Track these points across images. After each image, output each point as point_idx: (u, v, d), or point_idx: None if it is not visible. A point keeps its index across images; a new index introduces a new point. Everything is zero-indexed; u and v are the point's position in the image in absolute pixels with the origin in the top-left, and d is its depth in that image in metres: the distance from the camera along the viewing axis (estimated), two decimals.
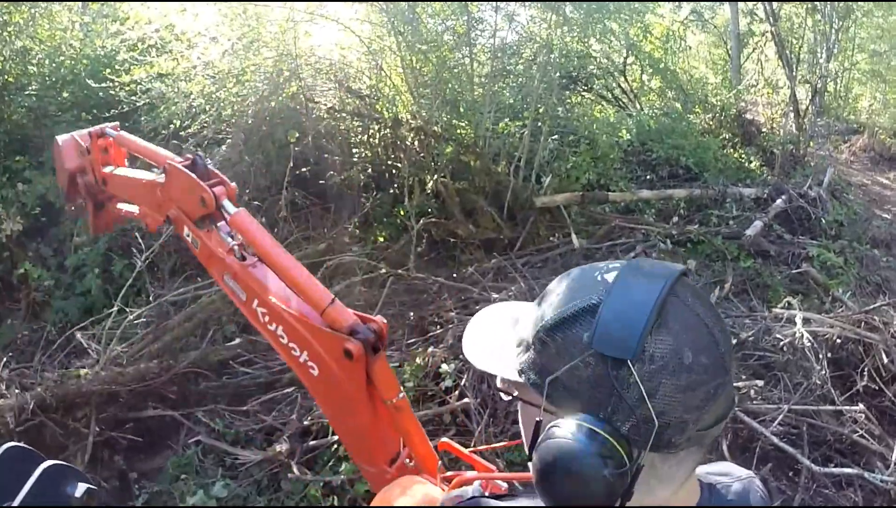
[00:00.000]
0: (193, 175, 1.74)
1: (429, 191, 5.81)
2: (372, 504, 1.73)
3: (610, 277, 0.76)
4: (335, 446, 3.50)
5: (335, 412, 1.78)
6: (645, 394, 0.69)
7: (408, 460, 1.80)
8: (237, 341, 4.47)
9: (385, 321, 1.60)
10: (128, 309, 4.46)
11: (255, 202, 5.57)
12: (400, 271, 5.03)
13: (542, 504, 0.75)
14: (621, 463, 0.69)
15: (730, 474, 0.93)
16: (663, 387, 0.70)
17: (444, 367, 3.93)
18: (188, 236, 1.80)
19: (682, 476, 0.77)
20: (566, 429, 0.70)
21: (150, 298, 4.76)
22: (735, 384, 3.70)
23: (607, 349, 0.70)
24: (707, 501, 0.83)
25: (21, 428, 3.38)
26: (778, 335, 4.21)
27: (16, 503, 0.89)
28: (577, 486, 0.69)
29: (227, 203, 1.73)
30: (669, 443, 0.71)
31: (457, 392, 3.82)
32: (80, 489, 0.95)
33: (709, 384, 0.71)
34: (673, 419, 0.70)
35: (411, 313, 4.81)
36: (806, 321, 4.30)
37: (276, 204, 5.53)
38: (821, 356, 4.03)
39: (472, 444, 3.52)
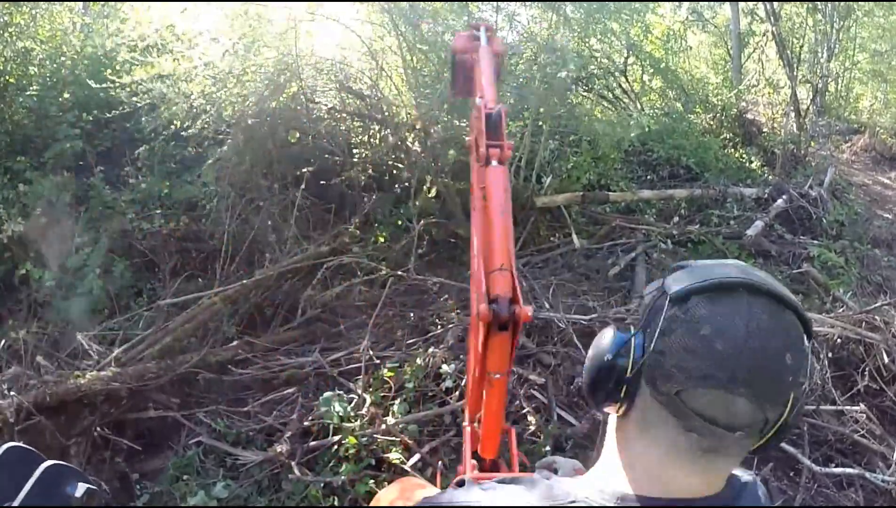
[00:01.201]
0: (484, 126, 1.94)
1: (430, 192, 5.80)
2: (371, 504, 1.73)
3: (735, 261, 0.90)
4: (335, 446, 3.51)
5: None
6: (661, 326, 0.81)
7: (477, 425, 1.94)
8: (236, 342, 4.46)
9: (531, 314, 1.63)
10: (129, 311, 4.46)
11: (256, 203, 5.58)
12: (400, 271, 5.03)
13: (522, 494, 0.85)
14: (625, 367, 0.84)
15: (736, 476, 0.95)
16: (675, 334, 0.80)
17: (445, 368, 3.93)
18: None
19: (676, 459, 0.83)
20: (614, 332, 0.90)
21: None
22: None
23: (668, 284, 0.85)
24: (728, 492, 0.87)
25: (21, 428, 3.38)
26: None
27: (16, 503, 0.89)
28: (590, 363, 0.90)
29: (493, 161, 1.89)
30: (655, 383, 0.82)
31: (457, 393, 3.82)
32: (81, 489, 0.94)
33: (706, 365, 0.78)
34: (666, 363, 0.80)
35: (412, 314, 4.81)
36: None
37: (276, 204, 5.54)
38: (822, 356, 4.03)
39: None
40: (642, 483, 0.84)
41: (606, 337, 0.90)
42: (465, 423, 2.08)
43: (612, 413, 0.91)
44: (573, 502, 0.83)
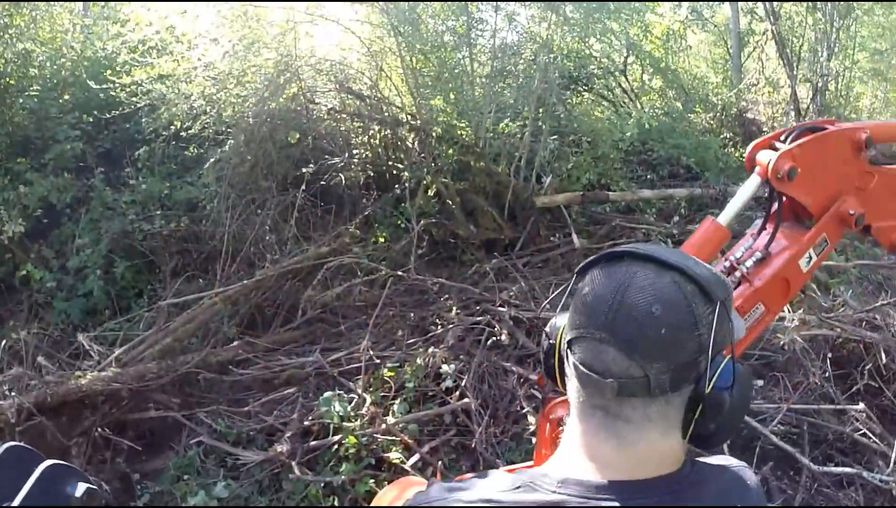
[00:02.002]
0: None
1: (429, 192, 5.81)
2: (372, 505, 1.73)
3: None
4: (336, 446, 3.51)
5: None
6: (568, 297, 0.96)
7: None
8: (236, 342, 4.47)
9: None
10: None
11: (256, 203, 5.58)
12: (400, 272, 5.03)
13: (496, 489, 0.87)
14: (551, 335, 1.08)
15: (723, 464, 0.96)
16: (574, 299, 0.93)
17: (445, 367, 3.93)
18: None
19: (575, 406, 0.91)
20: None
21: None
22: None
23: (580, 265, 0.98)
24: (687, 472, 0.88)
25: (22, 429, 3.38)
26: (779, 335, 4.21)
27: (16, 503, 0.89)
28: (544, 349, 1.11)
29: None
30: (567, 339, 0.92)
31: (457, 393, 3.82)
32: (81, 488, 0.94)
33: (581, 317, 0.89)
34: (567, 323, 0.93)
35: (412, 314, 4.82)
36: (806, 321, 4.30)
37: (277, 205, 5.54)
38: (822, 355, 4.03)
39: (473, 445, 3.53)
40: (583, 460, 0.87)
41: (551, 321, 1.05)
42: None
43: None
44: (517, 488, 0.86)
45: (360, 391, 3.87)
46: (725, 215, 1.72)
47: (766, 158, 1.60)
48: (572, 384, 0.90)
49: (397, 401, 3.81)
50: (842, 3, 9.87)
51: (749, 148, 1.69)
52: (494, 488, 0.87)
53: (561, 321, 0.98)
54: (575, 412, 0.91)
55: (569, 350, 0.89)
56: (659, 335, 0.82)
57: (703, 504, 0.86)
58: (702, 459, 0.94)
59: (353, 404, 3.76)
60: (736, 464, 0.96)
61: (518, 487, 0.86)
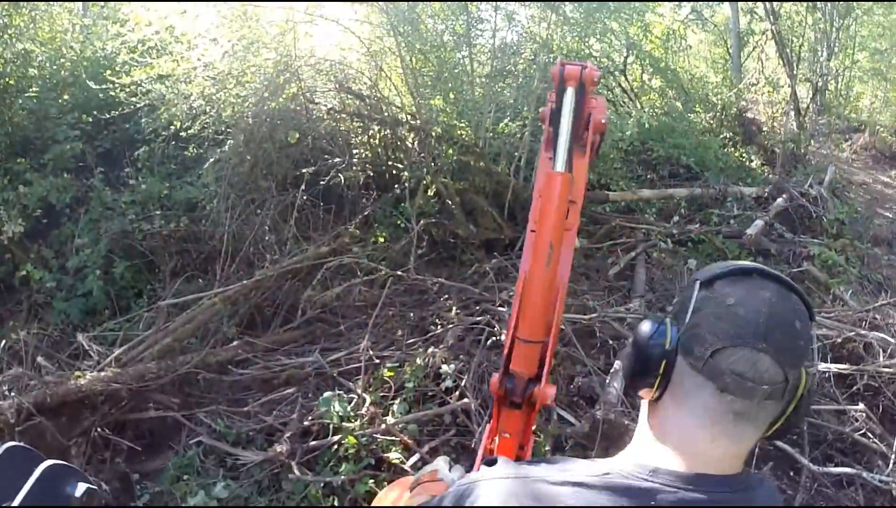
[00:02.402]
0: None
1: (429, 192, 5.81)
2: (372, 505, 1.73)
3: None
4: (335, 446, 3.51)
5: None
6: (692, 306, 0.97)
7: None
8: (236, 342, 4.47)
9: (552, 399, 1.52)
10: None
11: (256, 203, 5.58)
12: (400, 272, 5.03)
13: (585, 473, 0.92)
14: (664, 345, 0.97)
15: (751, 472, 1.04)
16: (706, 308, 0.96)
17: (445, 368, 3.93)
18: None
19: (710, 426, 0.93)
20: (654, 319, 1.02)
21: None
22: None
23: (697, 275, 1.01)
24: (746, 476, 0.97)
25: (22, 429, 3.38)
26: None
27: (15, 503, 0.89)
28: (632, 348, 1.01)
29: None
30: (691, 351, 0.94)
31: (457, 393, 3.82)
32: (81, 488, 0.94)
33: (733, 327, 0.92)
34: (700, 331, 0.94)
35: (412, 314, 4.81)
36: None
37: (276, 205, 5.54)
38: (821, 355, 4.03)
39: (472, 445, 3.52)
40: (674, 454, 0.95)
41: (645, 325, 1.01)
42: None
43: (645, 401, 1.02)
44: (607, 474, 0.92)
45: (359, 391, 3.87)
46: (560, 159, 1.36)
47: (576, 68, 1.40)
48: (696, 385, 0.94)
49: (397, 401, 3.81)
50: (841, 2, 9.88)
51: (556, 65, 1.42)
52: (583, 472, 0.93)
53: (671, 329, 0.99)
54: (690, 418, 0.95)
55: (710, 359, 0.92)
56: (799, 346, 0.94)
57: (764, 499, 0.97)
58: None
59: (352, 404, 3.76)
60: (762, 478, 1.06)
61: (607, 473, 0.92)
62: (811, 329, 0.98)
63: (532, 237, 1.42)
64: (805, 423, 0.97)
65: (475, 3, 6.10)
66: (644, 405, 1.04)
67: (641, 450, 0.99)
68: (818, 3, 9.79)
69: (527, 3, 6.40)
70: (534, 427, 3.67)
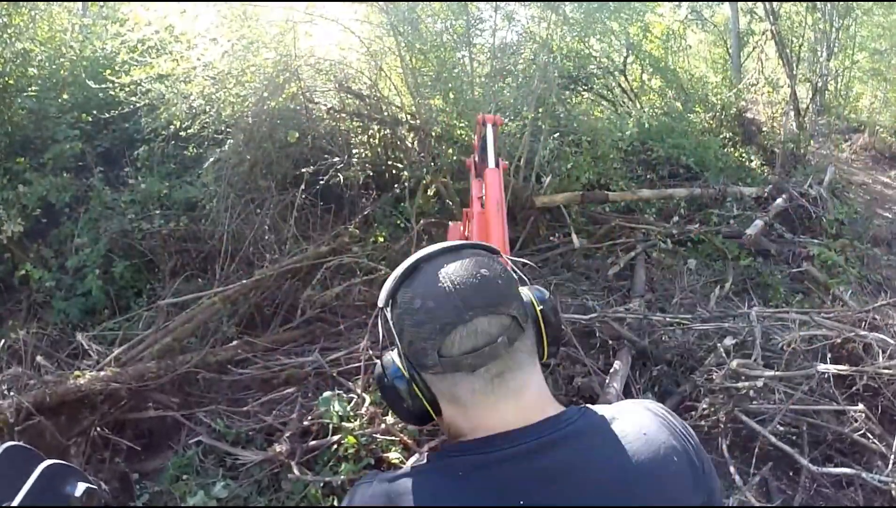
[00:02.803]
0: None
1: (429, 192, 5.81)
2: None
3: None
4: (335, 446, 3.51)
5: None
6: (395, 330, 0.96)
7: None
8: (236, 342, 4.46)
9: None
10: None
11: (255, 203, 5.58)
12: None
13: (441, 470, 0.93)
14: (401, 374, 0.97)
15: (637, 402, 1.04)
16: (405, 323, 0.95)
17: None
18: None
19: (483, 401, 0.94)
20: (381, 360, 1.03)
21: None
22: (735, 385, 3.73)
23: (380, 302, 0.99)
24: (571, 415, 0.96)
25: (21, 428, 3.38)
26: (777, 337, 4.22)
27: (15, 502, 0.89)
28: (387, 396, 1.01)
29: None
30: (425, 365, 0.94)
31: None
32: (80, 488, 0.94)
33: (435, 322, 0.91)
34: (417, 346, 0.94)
35: None
36: (806, 322, 4.30)
37: (276, 204, 5.54)
38: (821, 355, 4.03)
39: None
40: (483, 434, 0.94)
41: (377, 372, 1.03)
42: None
43: (437, 423, 1.02)
44: (440, 459, 0.95)
45: (359, 390, 3.86)
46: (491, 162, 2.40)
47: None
48: (452, 385, 0.94)
49: None
50: (841, 3, 9.88)
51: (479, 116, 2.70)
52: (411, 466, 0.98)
53: (395, 357, 1.00)
54: (467, 407, 0.95)
55: (441, 359, 0.92)
56: (498, 286, 0.95)
57: (609, 426, 0.95)
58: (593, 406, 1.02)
59: (352, 404, 3.76)
60: (641, 402, 1.04)
61: (440, 460, 0.95)
62: (498, 262, 0.99)
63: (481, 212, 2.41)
64: (562, 333, 0.99)
65: (475, 3, 6.10)
66: (443, 429, 1.03)
67: (451, 442, 1.00)
68: (818, 3, 9.79)
69: (527, 3, 6.40)
70: None
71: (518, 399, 0.95)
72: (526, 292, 1.01)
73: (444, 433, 1.02)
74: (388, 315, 0.98)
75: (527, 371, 0.96)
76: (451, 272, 0.94)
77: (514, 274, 1.02)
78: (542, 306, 1.00)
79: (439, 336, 0.91)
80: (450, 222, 3.00)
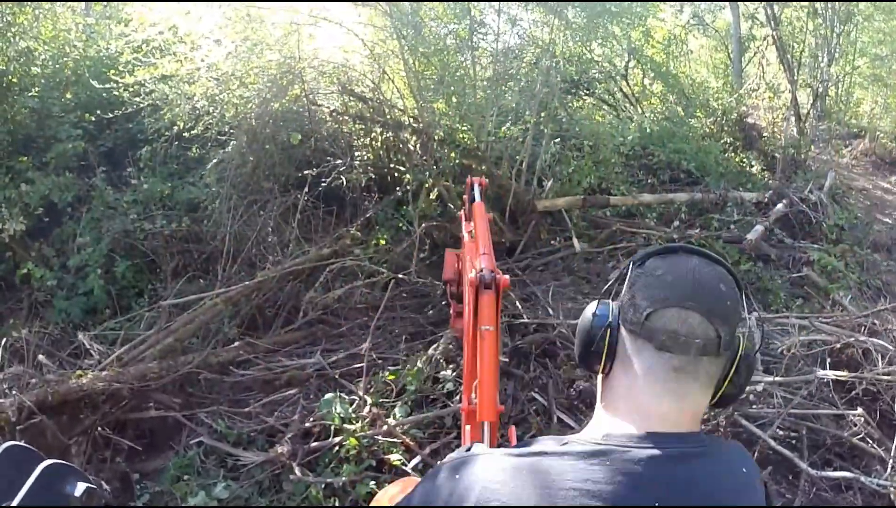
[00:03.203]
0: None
1: (431, 195, 5.82)
2: (371, 504, 1.74)
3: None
4: (336, 447, 3.52)
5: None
6: (628, 283, 1.08)
7: (473, 396, 2.15)
8: (237, 343, 4.47)
9: (509, 280, 2.16)
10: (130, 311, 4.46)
11: (258, 204, 5.59)
12: (401, 275, 5.03)
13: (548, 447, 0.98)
14: (607, 318, 1.08)
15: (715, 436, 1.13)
16: (639, 282, 1.06)
17: (445, 374, 3.95)
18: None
19: (653, 384, 1.01)
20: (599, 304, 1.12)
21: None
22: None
23: (633, 257, 1.11)
24: (705, 438, 1.01)
25: (22, 428, 3.39)
26: (777, 342, 4.22)
27: (15, 502, 0.89)
28: (581, 329, 1.12)
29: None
30: (629, 319, 1.04)
31: (457, 396, 3.83)
32: (80, 488, 0.95)
33: (664, 291, 1.02)
34: (636, 301, 1.04)
35: (413, 316, 4.82)
36: (805, 327, 4.31)
37: (278, 206, 5.55)
38: (820, 360, 4.04)
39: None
40: (625, 419, 1.01)
41: (589, 307, 1.13)
42: (462, 404, 2.29)
43: (600, 378, 1.10)
44: (565, 444, 0.98)
45: (361, 392, 3.87)
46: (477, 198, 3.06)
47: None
48: (636, 348, 1.03)
49: (398, 403, 3.81)
50: (842, 8, 9.90)
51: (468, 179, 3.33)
52: (547, 445, 0.99)
53: (613, 306, 1.09)
54: (635, 381, 1.02)
55: (645, 322, 1.00)
56: (726, 305, 1.02)
57: (729, 456, 1.03)
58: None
59: (354, 405, 3.77)
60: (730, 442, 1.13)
61: (565, 443, 0.98)
62: (738, 295, 1.06)
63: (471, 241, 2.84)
64: (747, 384, 1.06)
65: (476, 4, 6.10)
66: (599, 385, 1.11)
67: (596, 421, 1.06)
68: (819, 8, 9.81)
69: (529, 7, 6.41)
70: (534, 430, 3.69)
71: (681, 402, 1.01)
72: (741, 333, 1.07)
73: (597, 394, 1.10)
74: (630, 271, 1.09)
75: (699, 388, 1.02)
76: (700, 268, 1.04)
77: (744, 312, 1.07)
78: (745, 353, 1.06)
79: (656, 304, 1.01)
80: (446, 249, 3.21)
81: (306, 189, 5.47)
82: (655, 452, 0.94)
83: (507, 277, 2.15)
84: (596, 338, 1.07)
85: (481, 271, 2.16)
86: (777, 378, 3.81)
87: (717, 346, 1.00)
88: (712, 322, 1.00)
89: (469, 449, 1.05)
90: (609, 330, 1.06)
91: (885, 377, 3.84)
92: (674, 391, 1.00)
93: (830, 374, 3.86)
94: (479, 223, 2.65)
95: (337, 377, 4.11)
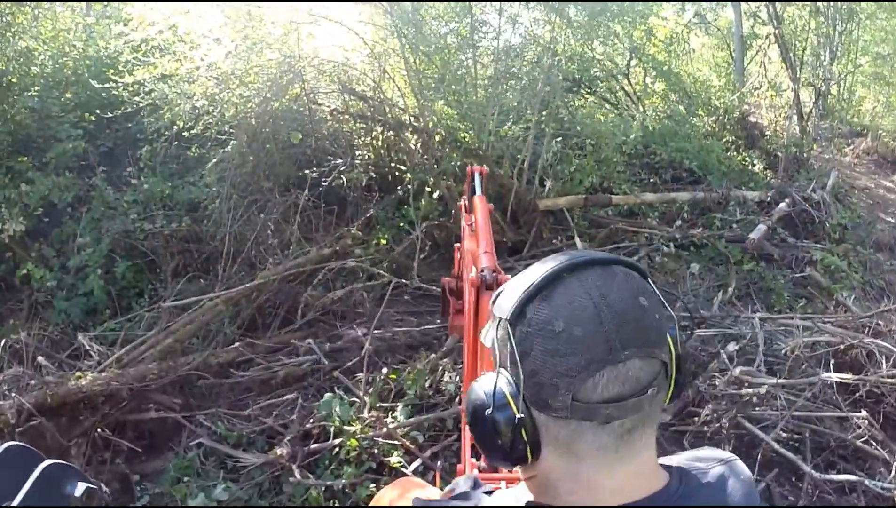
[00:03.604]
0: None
1: (432, 194, 5.80)
2: (371, 505, 1.72)
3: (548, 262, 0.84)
4: (336, 449, 3.50)
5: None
6: (517, 351, 0.78)
7: None
8: (237, 344, 4.45)
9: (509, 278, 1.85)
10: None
11: (258, 204, 5.57)
12: (403, 280, 5.01)
13: (525, 496, 0.83)
14: (511, 413, 0.79)
15: (709, 458, 0.89)
16: (535, 348, 0.77)
17: (447, 379, 3.93)
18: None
19: (603, 459, 0.79)
20: (482, 380, 0.85)
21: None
22: (738, 391, 3.72)
23: (498, 311, 0.82)
24: (675, 488, 0.82)
25: (21, 429, 3.37)
26: (780, 343, 4.20)
27: (15, 502, 0.88)
28: (478, 426, 0.83)
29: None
30: (547, 404, 0.77)
31: (457, 398, 3.81)
32: (80, 488, 0.93)
33: (580, 356, 0.75)
34: (545, 379, 0.76)
35: (414, 317, 4.80)
36: (809, 328, 4.29)
37: (279, 206, 5.53)
38: (824, 361, 4.02)
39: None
40: (570, 498, 0.81)
41: (477, 395, 0.84)
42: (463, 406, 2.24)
43: (522, 473, 0.87)
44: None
45: (361, 394, 3.86)
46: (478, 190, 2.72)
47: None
48: (574, 435, 0.79)
49: (399, 405, 3.80)
50: (844, 7, 9.87)
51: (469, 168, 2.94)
52: None
53: (502, 383, 0.82)
54: (581, 463, 0.80)
55: (574, 403, 0.76)
56: (657, 321, 0.80)
57: (709, 494, 0.83)
58: (688, 462, 0.88)
59: (354, 407, 3.75)
60: (727, 457, 0.91)
61: None
62: (654, 293, 0.82)
63: (468, 219, 2.72)
64: (689, 373, 0.82)
65: (477, 2, 6.08)
66: (522, 482, 0.88)
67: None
68: (821, 7, 9.78)
69: (530, 6, 6.39)
70: None
71: (636, 463, 0.81)
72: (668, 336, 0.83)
73: (526, 478, 0.87)
74: (510, 332, 0.79)
75: (653, 428, 0.82)
76: (605, 294, 0.77)
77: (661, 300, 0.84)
78: (677, 348, 0.82)
79: (580, 375, 0.75)
80: (443, 278, 2.86)
81: (307, 189, 5.45)
82: None
83: (509, 277, 1.99)
84: (506, 438, 0.81)
85: (483, 270, 2.05)
86: (780, 381, 3.79)
87: (665, 375, 0.80)
88: (653, 355, 0.78)
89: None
90: (523, 427, 0.79)
91: (889, 381, 3.82)
92: (628, 454, 0.80)
93: (834, 377, 3.84)
94: (479, 218, 2.49)
95: (337, 378, 4.09)
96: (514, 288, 0.81)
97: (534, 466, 0.84)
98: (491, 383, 0.82)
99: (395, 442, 3.51)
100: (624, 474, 0.80)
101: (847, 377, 3.85)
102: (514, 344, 0.79)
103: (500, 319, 0.82)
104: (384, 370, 4.06)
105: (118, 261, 5.27)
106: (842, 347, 4.15)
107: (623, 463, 0.80)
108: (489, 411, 0.81)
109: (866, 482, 3.31)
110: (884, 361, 3.98)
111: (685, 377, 0.84)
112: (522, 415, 0.78)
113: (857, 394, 3.88)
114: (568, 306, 0.77)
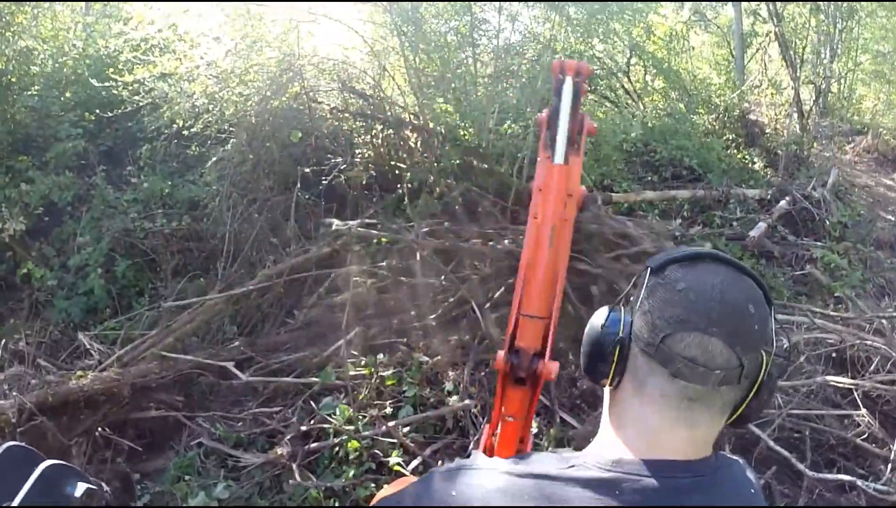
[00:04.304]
0: None
1: (432, 193, 5.79)
2: (371, 505, 1.72)
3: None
4: (336, 448, 3.50)
5: None
6: (644, 292, 0.97)
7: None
8: (237, 343, 4.45)
9: (555, 373, 1.43)
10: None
11: (258, 203, 5.57)
12: (403, 279, 5.00)
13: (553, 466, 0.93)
14: (617, 332, 0.97)
15: (723, 454, 1.02)
16: (657, 294, 0.95)
17: (449, 385, 3.93)
18: None
19: (666, 411, 0.93)
20: (610, 310, 1.02)
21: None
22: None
23: (649, 261, 1.00)
24: (715, 464, 0.96)
25: (23, 428, 3.38)
26: (781, 341, 4.19)
27: (15, 502, 0.89)
28: (588, 340, 1.01)
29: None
30: (643, 338, 0.94)
31: (456, 397, 3.81)
32: (80, 488, 0.94)
33: (683, 313, 0.91)
34: (651, 319, 0.94)
35: (414, 317, 4.80)
36: (809, 325, 4.29)
37: (279, 204, 5.53)
38: (824, 359, 4.03)
39: (473, 447, 3.51)
40: (634, 445, 0.94)
41: (599, 314, 1.02)
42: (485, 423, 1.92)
43: (607, 389, 1.02)
44: (571, 466, 0.92)
45: (361, 394, 3.86)
46: (559, 152, 1.40)
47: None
48: (650, 371, 0.94)
49: (399, 405, 3.80)
50: (844, 5, 9.86)
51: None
52: (551, 466, 0.93)
53: (625, 315, 0.99)
54: (647, 405, 0.95)
55: (661, 345, 0.91)
56: (753, 330, 0.92)
57: (738, 479, 0.99)
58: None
59: (353, 407, 3.75)
60: (736, 458, 1.05)
61: (572, 466, 0.93)
62: (768, 313, 0.96)
63: (534, 223, 1.44)
64: (768, 405, 0.90)
65: (478, 1, 6.07)
66: (606, 395, 1.04)
67: (605, 441, 0.99)
68: (821, 4, 9.77)
69: (530, 3, 6.38)
70: (536, 430, 3.67)
71: (693, 430, 0.94)
72: (765, 351, 0.95)
73: (604, 405, 1.03)
74: (648, 277, 0.98)
75: (714, 415, 0.94)
76: (728, 285, 0.93)
77: (773, 331, 0.97)
78: (767, 377, 0.94)
79: (675, 326, 0.91)
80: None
81: (307, 187, 5.45)
82: (667, 483, 0.89)
83: (554, 365, 1.35)
84: (605, 351, 0.98)
85: (514, 351, 1.36)
86: (782, 382, 3.79)
87: (738, 376, 0.91)
88: (735, 350, 0.90)
89: (469, 456, 1.01)
90: (620, 346, 0.96)
91: (886, 386, 3.82)
92: (686, 420, 0.93)
93: (837, 380, 3.83)
94: (545, 214, 1.39)
95: (337, 378, 4.09)
96: (669, 252, 1.00)
97: (614, 397, 1.00)
98: (614, 311, 1.01)
99: (395, 441, 3.51)
100: (681, 435, 0.93)
101: (846, 381, 3.84)
102: (647, 287, 0.97)
103: (647, 267, 0.99)
104: (385, 371, 4.06)
105: (118, 260, 5.28)
106: (842, 345, 4.15)
107: (682, 425, 0.93)
108: (603, 323, 0.99)
109: (859, 483, 3.31)
110: (885, 362, 3.98)
111: (760, 406, 0.97)
112: (621, 337, 0.96)
113: (857, 391, 3.88)
114: (696, 279, 0.94)
